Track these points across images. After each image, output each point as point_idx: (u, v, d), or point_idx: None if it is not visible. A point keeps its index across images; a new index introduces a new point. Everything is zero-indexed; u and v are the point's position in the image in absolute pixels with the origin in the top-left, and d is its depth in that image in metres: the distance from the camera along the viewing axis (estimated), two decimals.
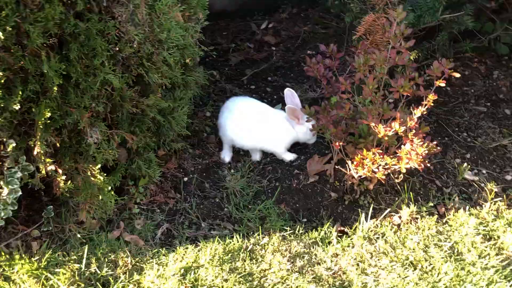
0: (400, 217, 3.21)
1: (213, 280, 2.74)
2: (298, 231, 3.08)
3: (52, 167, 2.60)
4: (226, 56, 4.53)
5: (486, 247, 3.06)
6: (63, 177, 2.66)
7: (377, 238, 3.07)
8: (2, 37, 2.21)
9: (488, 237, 3.13)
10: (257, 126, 3.44)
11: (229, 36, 4.79)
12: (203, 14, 3.42)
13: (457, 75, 3.11)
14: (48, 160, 2.57)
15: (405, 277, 2.86)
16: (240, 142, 3.50)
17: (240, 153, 3.59)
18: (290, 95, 3.37)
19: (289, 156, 3.55)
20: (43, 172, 2.60)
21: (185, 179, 3.35)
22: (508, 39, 4.39)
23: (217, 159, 3.53)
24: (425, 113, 3.03)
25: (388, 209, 3.24)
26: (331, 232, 3.08)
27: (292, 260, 2.90)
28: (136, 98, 2.83)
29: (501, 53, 4.50)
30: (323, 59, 3.25)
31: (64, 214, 2.91)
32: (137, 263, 2.80)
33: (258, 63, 4.47)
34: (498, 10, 4.36)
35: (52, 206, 2.88)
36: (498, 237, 3.12)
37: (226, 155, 3.53)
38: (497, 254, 3.02)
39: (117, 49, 2.63)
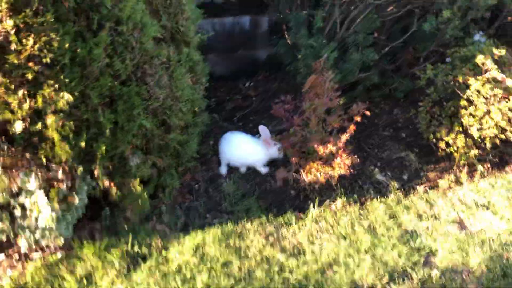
0: (336, 205, 3.17)
1: (214, 253, 2.70)
2: (271, 218, 3.03)
3: (107, 183, 2.56)
4: (223, 104, 4.50)
5: (391, 223, 3.03)
6: (115, 189, 2.61)
7: (321, 220, 3.03)
8: (72, 99, 2.18)
9: (392, 216, 3.10)
10: (245, 150, 3.41)
11: (225, 91, 4.75)
12: (205, 79, 3.40)
13: (368, 113, 3.13)
14: (104, 178, 2.53)
15: (339, 245, 2.83)
16: (234, 161, 3.47)
17: (232, 168, 3.53)
18: (263, 130, 3.35)
19: (264, 169, 3.51)
20: (102, 186, 2.56)
21: (196, 186, 3.31)
22: (402, 88, 4.40)
23: (217, 172, 3.48)
24: (348, 138, 3.02)
25: (328, 200, 3.20)
26: (292, 217, 3.04)
27: (266, 237, 2.85)
28: (162, 134, 2.79)
29: (399, 97, 4.49)
30: (284, 105, 3.24)
31: (116, 213, 2.85)
32: (165, 244, 2.75)
33: (244, 108, 4.43)
34: (396, 70, 4.37)
35: (108, 208, 2.83)
36: (399, 216, 3.09)
37: (223, 169, 3.49)
38: (398, 228, 3.00)
39: (149, 103, 2.60)
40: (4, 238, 2.35)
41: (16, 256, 2.53)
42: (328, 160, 3.06)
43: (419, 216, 3.11)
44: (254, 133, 3.89)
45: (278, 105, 3.23)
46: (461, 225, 3.07)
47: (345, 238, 2.89)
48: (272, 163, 3.56)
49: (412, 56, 4.25)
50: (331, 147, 2.96)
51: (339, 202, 3.16)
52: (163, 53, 2.63)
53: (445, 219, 3.10)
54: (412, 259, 2.74)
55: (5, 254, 2.52)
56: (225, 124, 4.11)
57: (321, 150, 2.97)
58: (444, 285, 2.60)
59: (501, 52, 3.33)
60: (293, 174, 3.31)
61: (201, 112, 3.45)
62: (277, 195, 3.29)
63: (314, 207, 3.11)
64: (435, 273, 2.65)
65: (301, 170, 3.16)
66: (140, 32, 2.41)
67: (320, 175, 3.02)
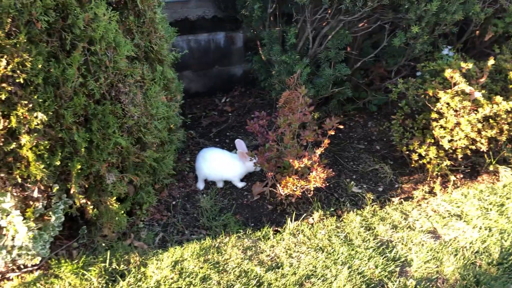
0: (313, 218, 3.21)
1: (193, 268, 2.71)
2: (248, 232, 3.06)
3: (84, 201, 2.57)
4: (199, 120, 4.53)
5: (367, 235, 3.09)
6: (91, 207, 2.63)
7: (299, 233, 3.07)
8: (46, 118, 2.20)
9: (368, 228, 3.16)
10: (222, 165, 3.45)
11: (201, 108, 4.80)
12: (180, 96, 3.44)
13: (341, 126, 3.20)
14: (80, 196, 2.54)
15: (317, 257, 2.87)
16: (210, 176, 3.49)
17: (209, 183, 3.56)
18: (239, 144, 3.39)
19: (241, 184, 3.54)
20: (78, 204, 2.57)
21: (174, 202, 3.31)
22: (375, 102, 4.52)
23: (194, 188, 3.49)
24: (323, 151, 3.09)
25: (305, 214, 3.25)
26: (269, 231, 3.07)
27: (244, 251, 2.88)
28: (138, 152, 2.80)
29: (372, 110, 4.61)
30: (259, 120, 3.29)
31: (93, 231, 2.85)
32: (143, 260, 2.74)
33: (220, 124, 4.47)
34: (369, 84, 4.48)
35: (85, 226, 2.83)
36: (375, 227, 3.16)
37: (201, 185, 3.51)
38: (374, 239, 3.06)
39: (124, 121, 2.62)
40: None
41: None
42: (303, 174, 3.11)
43: (395, 227, 3.18)
44: (231, 148, 3.93)
45: (253, 121, 3.28)
46: (435, 234, 3.15)
47: (322, 250, 2.93)
48: (248, 178, 3.60)
49: (383, 70, 4.37)
50: (306, 161, 3.02)
51: (316, 215, 3.21)
52: (137, 72, 2.65)
53: (420, 229, 3.18)
54: (388, 269, 2.80)
55: None
56: (201, 140, 4.14)
57: (297, 164, 3.02)
58: None
59: (468, 65, 3.46)
60: (269, 188, 3.36)
61: (176, 129, 3.48)
62: (254, 209, 3.32)
63: (291, 220, 3.15)
64: (410, 282, 2.71)
65: (277, 185, 3.21)
66: (113, 51, 2.45)
67: (296, 189, 3.07)
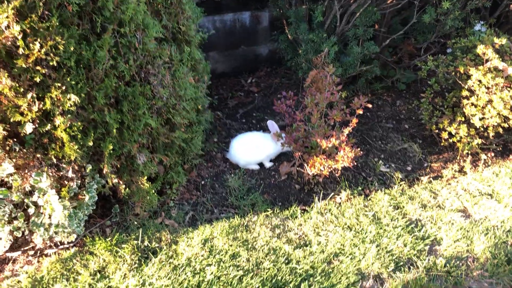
0: (340, 198, 3.25)
1: (223, 245, 2.78)
2: (276, 211, 3.11)
3: (116, 180, 2.65)
4: (226, 101, 4.56)
5: (395, 213, 3.11)
6: (123, 186, 2.70)
7: (326, 212, 3.11)
8: (79, 100, 2.28)
9: (396, 207, 3.17)
10: (258, 148, 3.49)
11: (227, 88, 4.82)
12: (207, 77, 3.48)
13: (370, 105, 3.19)
14: (113, 176, 2.62)
15: (345, 236, 2.91)
16: (251, 162, 3.54)
17: (235, 164, 3.59)
18: (271, 125, 3.41)
19: (269, 164, 3.58)
20: (110, 183, 2.65)
21: (202, 182, 3.37)
22: (404, 80, 4.47)
23: (222, 168, 3.54)
24: (351, 131, 3.09)
25: (333, 193, 3.28)
26: (297, 210, 3.12)
27: (272, 230, 2.93)
28: (167, 133, 2.86)
29: (401, 89, 4.56)
30: (286, 100, 3.31)
31: (125, 210, 2.94)
32: (174, 238, 2.82)
33: (247, 105, 4.50)
34: (397, 62, 4.44)
35: (117, 205, 2.92)
36: (403, 206, 3.17)
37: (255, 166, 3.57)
38: (402, 218, 3.07)
39: (153, 102, 2.67)
40: (19, 234, 2.46)
41: (32, 252, 2.64)
42: (331, 153, 3.13)
43: (424, 206, 3.18)
44: (258, 128, 3.96)
45: (280, 101, 3.30)
46: (465, 213, 3.14)
47: (350, 229, 2.96)
48: (275, 158, 3.64)
49: (412, 47, 4.31)
50: (334, 141, 3.03)
51: (344, 194, 3.24)
52: (165, 53, 2.70)
53: (449, 208, 3.17)
54: (417, 248, 2.82)
55: (21, 250, 2.63)
56: (228, 121, 4.18)
57: (324, 144, 3.04)
58: (449, 272, 2.68)
59: (502, 41, 3.39)
60: (297, 168, 3.39)
61: (204, 110, 3.53)
62: (282, 189, 3.36)
63: (318, 199, 3.19)
64: (440, 261, 2.73)
65: (305, 164, 3.24)
66: (142, 33, 2.49)
67: (324, 168, 3.09)
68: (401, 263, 2.73)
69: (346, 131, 3.07)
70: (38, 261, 2.60)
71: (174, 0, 2.78)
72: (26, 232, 2.51)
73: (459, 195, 3.29)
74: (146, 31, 2.50)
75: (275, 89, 4.74)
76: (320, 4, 3.83)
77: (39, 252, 2.65)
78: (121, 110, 2.53)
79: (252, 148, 3.48)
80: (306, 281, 2.56)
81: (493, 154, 3.69)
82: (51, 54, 2.14)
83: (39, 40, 2.10)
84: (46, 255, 2.64)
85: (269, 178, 3.46)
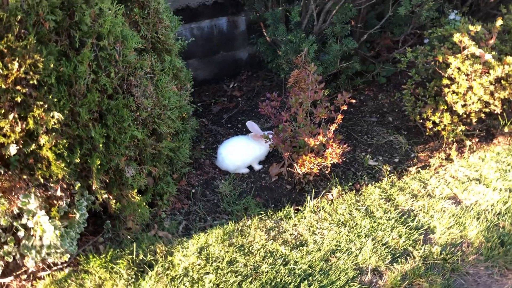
0: (332, 194, 3.24)
1: (219, 252, 2.75)
2: (269, 213, 3.09)
3: (106, 196, 2.60)
4: (209, 108, 4.54)
5: (387, 206, 3.11)
6: (114, 201, 2.66)
7: (319, 210, 3.10)
8: (62, 117, 2.23)
9: (388, 199, 3.18)
10: (247, 151, 3.48)
11: (210, 95, 4.80)
12: (190, 84, 3.46)
13: (353, 101, 3.20)
14: (102, 191, 2.57)
15: (340, 232, 2.90)
16: (240, 166, 3.52)
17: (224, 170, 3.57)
18: (251, 126, 3.41)
19: (258, 167, 3.56)
20: (100, 199, 2.60)
21: (193, 190, 3.34)
22: (384, 73, 4.50)
23: (212, 175, 3.51)
24: (337, 127, 3.10)
25: (324, 191, 3.27)
26: (290, 210, 3.10)
27: (267, 232, 2.91)
28: (154, 144, 2.83)
29: (382, 82, 4.59)
30: (270, 102, 3.30)
31: (117, 225, 2.89)
32: (169, 249, 2.79)
33: (231, 110, 4.48)
34: (376, 56, 4.46)
35: (109, 221, 2.87)
36: (394, 198, 3.18)
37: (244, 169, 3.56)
38: (395, 209, 3.08)
39: (138, 114, 2.64)
40: (10, 259, 2.40)
41: (24, 276, 2.57)
42: (319, 151, 3.13)
43: (414, 196, 3.19)
44: (244, 132, 3.95)
45: (265, 103, 3.29)
46: (456, 200, 3.16)
47: (344, 225, 2.96)
48: (264, 160, 3.63)
49: (390, 41, 4.34)
50: (321, 139, 3.03)
51: (335, 191, 3.23)
52: (146, 63, 2.67)
53: (440, 196, 3.19)
54: (412, 238, 2.83)
55: (13, 275, 2.56)
56: (213, 127, 4.16)
57: (312, 142, 3.03)
58: (445, 259, 2.69)
59: (476, 28, 3.42)
60: (287, 168, 3.38)
61: (189, 118, 3.51)
62: (273, 190, 3.35)
63: (311, 198, 3.18)
64: (435, 249, 2.74)
65: (294, 164, 3.23)
66: (122, 45, 2.46)
67: (313, 166, 3.09)
68: (398, 254, 2.73)
69: (333, 127, 3.07)
70: (32, 285, 2.54)
71: (151, 10, 2.76)
72: (18, 256, 2.45)
73: (448, 183, 3.31)
74: (125, 42, 2.47)
75: (257, 92, 4.73)
76: (296, 5, 3.84)
77: (32, 275, 2.58)
78: (106, 124, 2.49)
79: (240, 153, 3.46)
80: (306, 280, 2.54)
81: (477, 140, 3.72)
82: (31, 73, 2.10)
83: (17, 59, 2.06)
84: (40, 278, 2.58)
85: (260, 180, 3.45)
